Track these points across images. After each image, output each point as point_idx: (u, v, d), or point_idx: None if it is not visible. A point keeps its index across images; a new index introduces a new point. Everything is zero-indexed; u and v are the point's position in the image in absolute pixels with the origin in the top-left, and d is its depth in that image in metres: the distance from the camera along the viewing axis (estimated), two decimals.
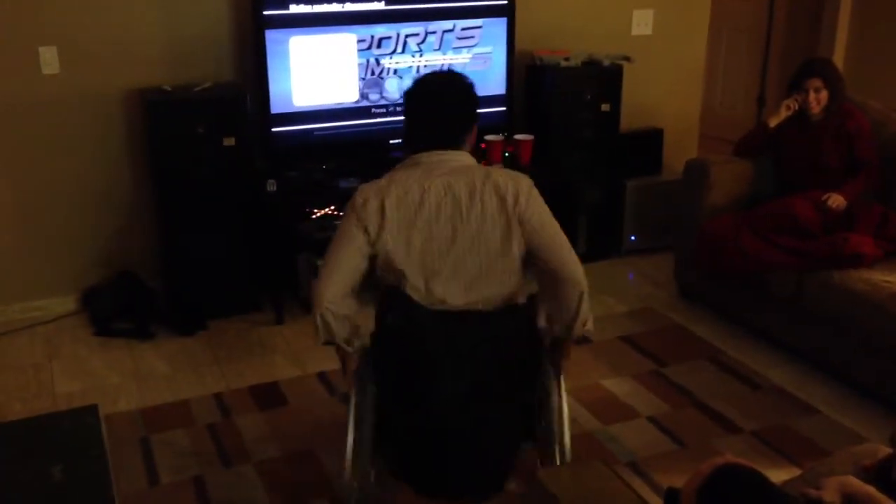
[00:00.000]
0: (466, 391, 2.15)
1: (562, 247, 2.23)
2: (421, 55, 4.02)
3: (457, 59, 4.10)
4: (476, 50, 4.13)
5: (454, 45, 4.08)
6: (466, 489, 2.24)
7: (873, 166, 3.62)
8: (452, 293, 2.20)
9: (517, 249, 2.22)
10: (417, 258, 2.19)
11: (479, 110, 2.36)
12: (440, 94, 2.33)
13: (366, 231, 2.20)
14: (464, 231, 2.19)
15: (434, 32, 4.01)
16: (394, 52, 3.96)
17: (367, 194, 2.22)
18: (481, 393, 2.17)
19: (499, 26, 4.15)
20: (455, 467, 2.20)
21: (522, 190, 2.22)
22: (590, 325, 2.24)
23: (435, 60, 4.06)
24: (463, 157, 2.30)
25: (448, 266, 2.20)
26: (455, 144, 2.30)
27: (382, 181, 2.26)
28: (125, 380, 3.45)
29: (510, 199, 2.20)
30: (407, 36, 3.97)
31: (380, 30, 3.90)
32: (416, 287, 2.20)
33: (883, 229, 3.47)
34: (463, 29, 4.07)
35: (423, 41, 4.01)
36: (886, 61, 5.15)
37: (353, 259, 2.23)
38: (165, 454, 2.95)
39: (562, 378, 2.35)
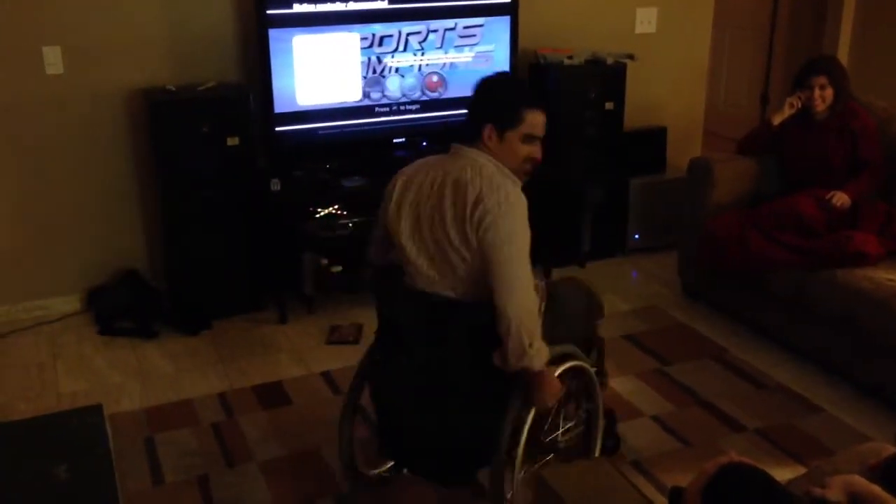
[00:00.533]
0: (418, 369, 2.38)
1: (502, 276, 2.21)
2: (423, 54, 4.02)
3: (459, 58, 4.10)
4: (478, 48, 4.13)
5: (456, 44, 4.08)
6: (423, 467, 2.55)
7: (878, 165, 3.61)
8: (422, 274, 2.35)
9: (473, 252, 2.26)
10: (406, 235, 2.36)
11: (487, 109, 2.37)
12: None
13: (385, 202, 2.45)
14: (438, 219, 2.30)
15: (436, 31, 4.01)
16: (395, 50, 3.96)
17: (399, 172, 2.45)
18: (432, 375, 2.36)
19: (502, 24, 4.15)
20: (408, 443, 2.51)
21: (490, 205, 2.22)
22: (527, 362, 2.21)
23: (437, 59, 4.06)
24: (469, 153, 2.35)
25: (422, 248, 2.34)
26: (469, 140, 2.37)
27: (416, 163, 2.46)
28: (129, 379, 3.46)
29: (469, 206, 2.24)
30: (409, 34, 3.97)
31: (381, 28, 3.90)
32: (406, 261, 2.38)
33: (887, 228, 3.46)
34: (465, 27, 4.07)
35: (424, 39, 4.01)
36: (890, 60, 5.13)
37: (380, 224, 2.53)
38: (169, 453, 2.96)
39: (529, 415, 2.31)
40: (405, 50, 3.98)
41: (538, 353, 2.22)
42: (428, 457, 2.52)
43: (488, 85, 2.42)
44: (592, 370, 2.62)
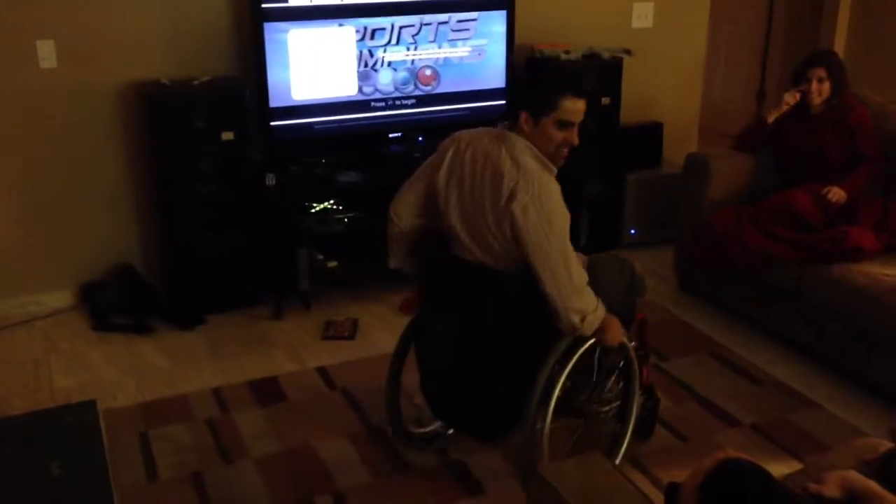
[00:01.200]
0: (456, 330, 2.54)
1: (542, 268, 2.37)
2: (416, 47, 4.00)
3: (452, 52, 4.08)
4: (472, 42, 4.11)
5: (449, 38, 4.05)
6: (461, 424, 2.77)
7: (875, 160, 3.61)
8: (463, 244, 2.49)
9: (507, 239, 2.41)
10: (452, 205, 2.50)
11: (524, 96, 2.49)
12: None
13: (435, 165, 2.56)
14: (479, 201, 2.43)
15: (429, 24, 3.99)
16: (388, 43, 3.94)
17: (451, 138, 2.56)
18: (469, 336, 2.52)
19: (497, 19, 4.13)
20: (447, 401, 2.70)
21: (523, 202, 2.34)
22: (581, 333, 2.45)
23: (429, 53, 4.04)
24: (510, 137, 2.45)
25: (464, 221, 2.48)
26: (512, 123, 2.47)
27: (469, 133, 2.55)
28: (124, 375, 3.45)
29: (504, 200, 2.37)
30: (401, 27, 3.94)
31: (374, 21, 3.87)
32: (448, 228, 2.52)
33: (884, 222, 3.46)
34: (458, 21, 4.05)
35: (417, 33, 3.98)
36: (887, 55, 5.13)
37: (420, 181, 2.63)
38: (164, 449, 2.95)
39: (563, 374, 2.46)
40: (398, 43, 3.96)
41: (592, 321, 2.43)
42: (465, 414, 2.70)
43: (529, 71, 2.54)
44: (631, 345, 2.71)
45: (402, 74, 4.02)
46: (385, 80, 3.99)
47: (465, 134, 2.56)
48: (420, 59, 4.02)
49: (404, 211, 2.67)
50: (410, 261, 2.77)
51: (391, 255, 2.77)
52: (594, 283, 2.60)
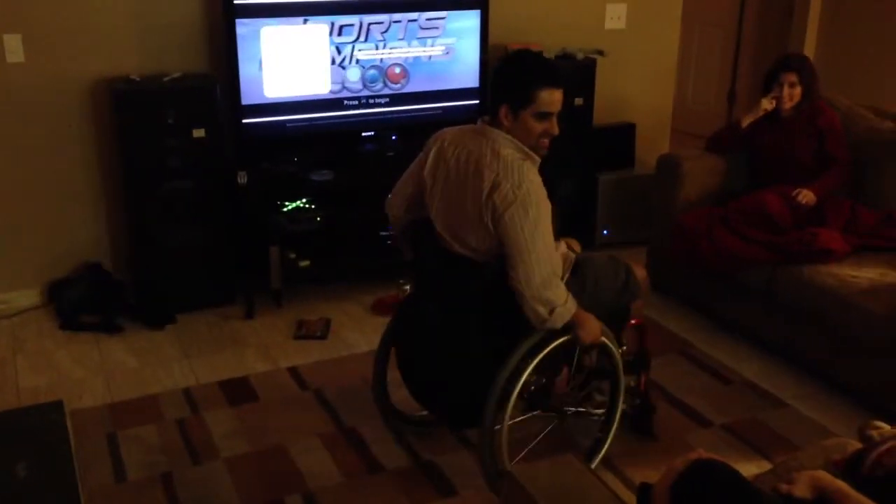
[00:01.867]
0: (435, 315, 2.62)
1: (513, 258, 2.38)
2: (385, 45, 3.97)
3: (427, 51, 4.07)
4: (445, 41, 4.10)
5: (419, 35, 4.03)
6: (434, 407, 2.80)
7: (844, 162, 3.65)
8: (445, 236, 2.54)
9: (487, 230, 2.42)
10: (437, 201, 2.56)
11: (502, 89, 2.49)
12: None
13: (421, 162, 2.63)
14: (460, 195, 2.47)
15: (399, 22, 3.96)
16: (356, 40, 3.90)
17: (435, 136, 2.61)
18: (446, 323, 2.58)
19: (470, 18, 4.12)
20: (422, 384, 2.76)
21: (504, 192, 2.36)
22: (550, 326, 2.45)
23: (402, 52, 4.02)
24: (491, 133, 2.47)
25: (447, 215, 2.54)
26: (491, 119, 2.50)
27: (452, 131, 2.60)
28: (92, 374, 3.40)
29: (485, 192, 2.39)
30: (370, 24, 3.91)
31: (344, 18, 3.85)
32: (434, 220, 2.58)
33: (852, 225, 3.50)
34: (427, 20, 4.03)
35: (386, 30, 3.96)
36: (856, 58, 5.20)
37: (410, 178, 2.70)
38: (133, 450, 2.91)
39: (530, 366, 2.49)
40: (366, 40, 3.94)
41: (562, 314, 2.43)
42: (438, 398, 2.74)
43: (504, 64, 2.55)
44: (621, 349, 2.74)
45: (371, 72, 3.98)
46: (354, 77, 3.96)
47: (448, 131, 2.61)
48: (390, 58, 4.00)
49: (396, 207, 2.75)
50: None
51: (402, 248, 2.84)
52: (580, 281, 2.63)
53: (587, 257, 2.80)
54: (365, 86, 3.99)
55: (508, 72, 2.51)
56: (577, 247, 2.93)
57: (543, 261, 2.38)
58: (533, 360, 2.48)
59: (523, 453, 2.64)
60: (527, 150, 2.47)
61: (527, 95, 2.41)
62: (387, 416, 2.96)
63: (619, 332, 2.79)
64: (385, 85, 4.03)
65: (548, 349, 2.49)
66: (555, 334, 2.49)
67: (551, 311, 2.41)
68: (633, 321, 2.88)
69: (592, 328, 2.53)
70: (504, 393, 2.47)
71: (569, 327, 2.48)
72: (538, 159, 2.50)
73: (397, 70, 4.04)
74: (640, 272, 2.89)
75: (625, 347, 2.83)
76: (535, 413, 2.68)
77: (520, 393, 2.56)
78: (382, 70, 4.01)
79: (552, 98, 2.43)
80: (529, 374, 2.52)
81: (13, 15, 3.59)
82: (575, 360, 2.68)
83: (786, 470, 1.99)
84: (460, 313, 2.55)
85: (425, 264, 2.74)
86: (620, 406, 2.78)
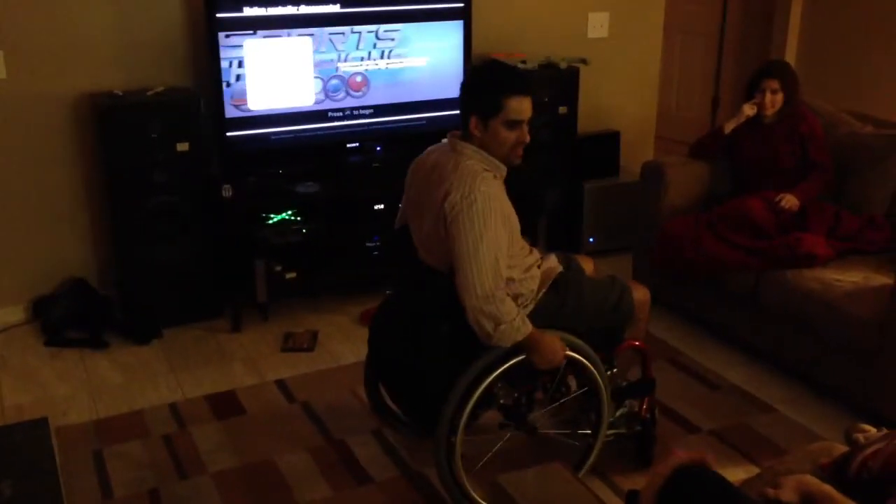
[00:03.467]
0: (406, 318, 2.63)
1: (457, 268, 2.37)
2: (369, 57, 3.98)
3: (409, 62, 4.08)
4: (428, 52, 4.11)
5: (403, 48, 4.04)
6: (402, 405, 2.79)
7: (826, 168, 3.68)
8: (418, 246, 2.60)
9: (443, 232, 2.43)
10: (410, 214, 2.64)
11: (470, 101, 2.49)
12: None
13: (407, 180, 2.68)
14: (425, 206, 2.50)
15: (376, 33, 3.95)
16: (316, 50, 3.88)
17: (422, 154, 2.66)
18: (415, 328, 2.57)
19: (453, 29, 4.14)
20: (390, 386, 2.80)
21: (453, 201, 2.36)
22: (496, 342, 2.39)
23: (387, 63, 4.03)
24: (457, 145, 2.49)
25: (416, 227, 2.60)
26: (463, 131, 2.51)
27: (429, 148, 2.65)
28: (77, 391, 3.38)
29: (439, 200, 2.41)
30: (330, 35, 3.88)
31: (328, 30, 3.84)
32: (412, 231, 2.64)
33: (836, 229, 3.52)
34: (413, 32, 4.03)
35: (367, 41, 3.97)
36: (836, 64, 5.24)
37: (404, 195, 2.72)
38: (119, 467, 2.89)
39: (485, 381, 2.45)
40: (355, 52, 3.94)
41: (508, 332, 2.37)
42: (414, 407, 2.74)
43: (470, 76, 2.56)
44: (612, 371, 2.71)
45: (334, 82, 3.92)
46: (317, 87, 3.91)
47: (423, 155, 2.64)
48: (375, 69, 4.01)
49: (399, 218, 2.81)
50: None
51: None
52: (560, 297, 2.61)
53: (581, 275, 2.76)
54: (328, 96, 3.95)
55: (476, 82, 2.50)
56: (588, 265, 2.90)
57: (486, 273, 2.33)
58: (490, 375, 2.43)
59: (479, 465, 2.57)
60: (495, 161, 2.47)
61: (495, 104, 2.40)
62: (381, 415, 2.91)
63: (609, 352, 2.74)
64: (347, 94, 3.98)
65: (504, 366, 2.44)
66: (513, 351, 2.43)
67: (496, 327, 2.35)
68: (631, 343, 2.82)
69: (550, 352, 2.46)
70: (460, 403, 2.43)
71: (523, 347, 2.42)
72: (504, 170, 2.50)
73: (359, 79, 3.99)
74: (641, 294, 2.82)
75: (615, 370, 2.76)
76: (507, 427, 2.62)
77: (500, 405, 2.55)
78: (345, 80, 3.97)
79: (521, 106, 2.42)
80: (500, 388, 2.51)
81: None
82: (549, 381, 2.62)
83: (773, 474, 2.00)
84: (430, 322, 2.53)
85: (401, 276, 2.84)
86: (605, 427, 2.70)
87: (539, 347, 2.44)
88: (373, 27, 3.94)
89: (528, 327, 2.41)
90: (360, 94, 4.02)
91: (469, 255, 2.33)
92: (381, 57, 4.01)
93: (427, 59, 4.12)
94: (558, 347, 2.49)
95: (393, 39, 4.01)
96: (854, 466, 1.89)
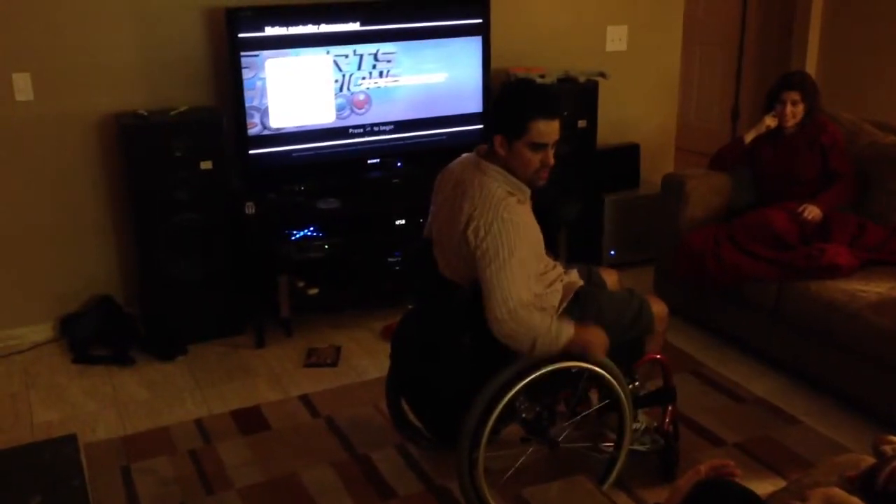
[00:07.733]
0: (426, 330, 2.67)
1: (485, 292, 2.38)
2: (389, 73, 4.01)
3: (429, 78, 4.10)
4: (447, 68, 4.13)
5: (424, 64, 4.07)
6: (422, 417, 2.82)
7: (848, 177, 3.66)
8: (439, 259, 2.61)
9: (466, 259, 2.45)
10: (436, 228, 2.64)
11: (496, 120, 2.52)
12: None
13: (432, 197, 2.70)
14: (449, 223, 2.50)
15: (394, 52, 3.98)
16: (358, 69, 3.94)
17: (443, 170, 2.67)
18: (435, 341, 2.60)
19: (473, 44, 4.16)
20: (412, 401, 2.84)
21: (479, 225, 2.39)
22: (541, 354, 2.41)
23: (407, 80, 4.06)
24: (481, 164, 2.50)
25: (440, 240, 2.61)
26: (488, 148, 2.52)
27: (455, 161, 2.66)
28: (104, 407, 3.41)
29: (463, 223, 2.42)
30: (377, 54, 3.95)
31: (347, 48, 3.88)
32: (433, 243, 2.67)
33: (859, 239, 3.50)
34: (432, 48, 4.05)
35: (389, 59, 4.00)
36: (857, 73, 5.21)
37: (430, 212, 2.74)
38: (146, 483, 2.91)
39: (511, 390, 2.46)
40: (374, 69, 3.97)
41: (550, 343, 2.38)
42: (428, 412, 2.76)
43: (499, 94, 2.58)
44: (633, 384, 2.71)
45: (339, 101, 3.94)
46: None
47: (452, 164, 2.65)
48: (398, 86, 4.04)
49: (427, 232, 2.79)
50: None
51: None
52: (580, 310, 2.60)
53: (600, 290, 2.76)
54: (352, 111, 3.97)
55: (504, 102, 2.52)
56: (611, 277, 2.91)
57: (511, 297, 2.34)
58: (511, 389, 2.43)
59: (504, 479, 2.58)
60: (519, 183, 2.47)
61: (521, 126, 2.40)
62: (403, 430, 2.97)
63: (629, 365, 2.73)
64: (352, 111, 3.98)
65: (526, 380, 2.43)
66: (539, 364, 2.43)
67: (534, 342, 2.36)
68: (651, 356, 2.81)
69: (596, 340, 2.48)
70: (482, 418, 2.43)
71: (562, 356, 2.43)
72: (528, 192, 2.50)
73: (361, 97, 3.99)
74: (659, 308, 2.81)
75: (636, 383, 2.76)
76: (529, 441, 2.64)
77: (521, 419, 2.55)
78: (349, 98, 3.97)
79: (548, 129, 2.41)
80: (522, 403, 2.50)
81: (22, 54, 3.64)
82: (570, 394, 2.63)
83: (799, 487, 1.99)
84: (451, 334, 2.54)
85: (424, 290, 2.82)
86: (627, 441, 2.69)
87: (587, 340, 2.45)
88: (392, 45, 3.97)
89: (569, 330, 2.41)
90: (378, 110, 4.05)
91: (491, 284, 2.35)
92: (399, 74, 4.04)
93: (447, 75, 4.15)
94: (600, 331, 2.49)
95: (411, 57, 4.04)
96: (882, 478, 1.87)
